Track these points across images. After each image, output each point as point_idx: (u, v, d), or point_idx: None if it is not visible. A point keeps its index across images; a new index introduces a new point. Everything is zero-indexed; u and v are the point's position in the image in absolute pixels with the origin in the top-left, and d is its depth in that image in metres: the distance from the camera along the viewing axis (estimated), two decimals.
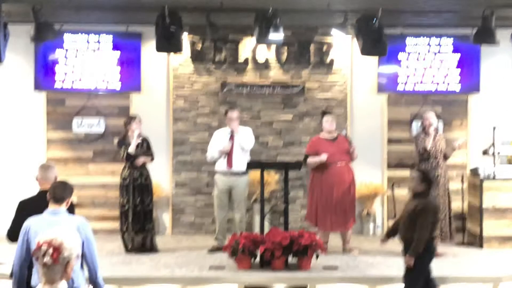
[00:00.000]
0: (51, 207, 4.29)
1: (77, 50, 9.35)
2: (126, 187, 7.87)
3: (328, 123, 7.96)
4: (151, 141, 8.11)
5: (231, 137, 8.06)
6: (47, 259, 2.93)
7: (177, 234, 9.40)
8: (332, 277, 6.66)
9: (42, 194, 4.87)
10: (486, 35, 8.35)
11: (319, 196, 7.86)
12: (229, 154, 8.01)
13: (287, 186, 7.47)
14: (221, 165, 8.06)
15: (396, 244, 7.87)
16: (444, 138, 8.16)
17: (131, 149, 7.80)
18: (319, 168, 7.88)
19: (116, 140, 8.37)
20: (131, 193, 7.84)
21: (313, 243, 6.81)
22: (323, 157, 7.75)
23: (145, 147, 8.00)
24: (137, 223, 7.81)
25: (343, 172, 7.84)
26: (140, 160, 7.89)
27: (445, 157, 8.04)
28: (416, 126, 9.28)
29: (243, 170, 7.93)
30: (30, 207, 4.80)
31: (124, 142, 7.93)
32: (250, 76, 9.55)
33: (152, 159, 8.10)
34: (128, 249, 7.85)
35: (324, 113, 8.23)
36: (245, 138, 8.11)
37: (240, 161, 7.92)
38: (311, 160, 7.88)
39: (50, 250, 2.94)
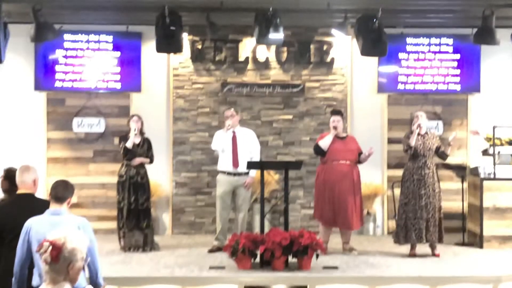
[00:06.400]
0: (52, 207, 4.27)
1: (77, 50, 9.36)
2: (122, 184, 7.91)
3: (334, 124, 7.90)
4: (152, 143, 8.12)
5: (229, 129, 8.02)
6: (45, 256, 2.98)
7: (177, 234, 9.41)
8: (332, 277, 6.65)
9: (18, 198, 4.76)
10: (486, 35, 8.34)
11: (322, 192, 7.86)
12: (234, 154, 8.00)
13: (287, 186, 7.44)
14: (226, 165, 8.05)
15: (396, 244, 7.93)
16: (438, 138, 7.95)
17: (128, 143, 7.85)
18: (323, 165, 7.89)
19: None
20: (126, 191, 7.87)
21: (313, 243, 6.79)
22: (332, 133, 7.81)
23: (145, 148, 8.01)
24: (131, 221, 7.84)
25: (346, 171, 7.79)
26: (137, 160, 7.91)
27: (444, 156, 7.93)
28: None
29: (246, 169, 7.93)
30: (2, 212, 4.68)
31: (124, 138, 7.99)
32: (250, 76, 9.55)
33: (151, 161, 8.10)
34: (123, 247, 7.87)
35: (332, 112, 8.13)
36: (252, 146, 8.12)
37: (245, 161, 7.91)
38: (322, 141, 7.87)
39: (50, 248, 2.98)
